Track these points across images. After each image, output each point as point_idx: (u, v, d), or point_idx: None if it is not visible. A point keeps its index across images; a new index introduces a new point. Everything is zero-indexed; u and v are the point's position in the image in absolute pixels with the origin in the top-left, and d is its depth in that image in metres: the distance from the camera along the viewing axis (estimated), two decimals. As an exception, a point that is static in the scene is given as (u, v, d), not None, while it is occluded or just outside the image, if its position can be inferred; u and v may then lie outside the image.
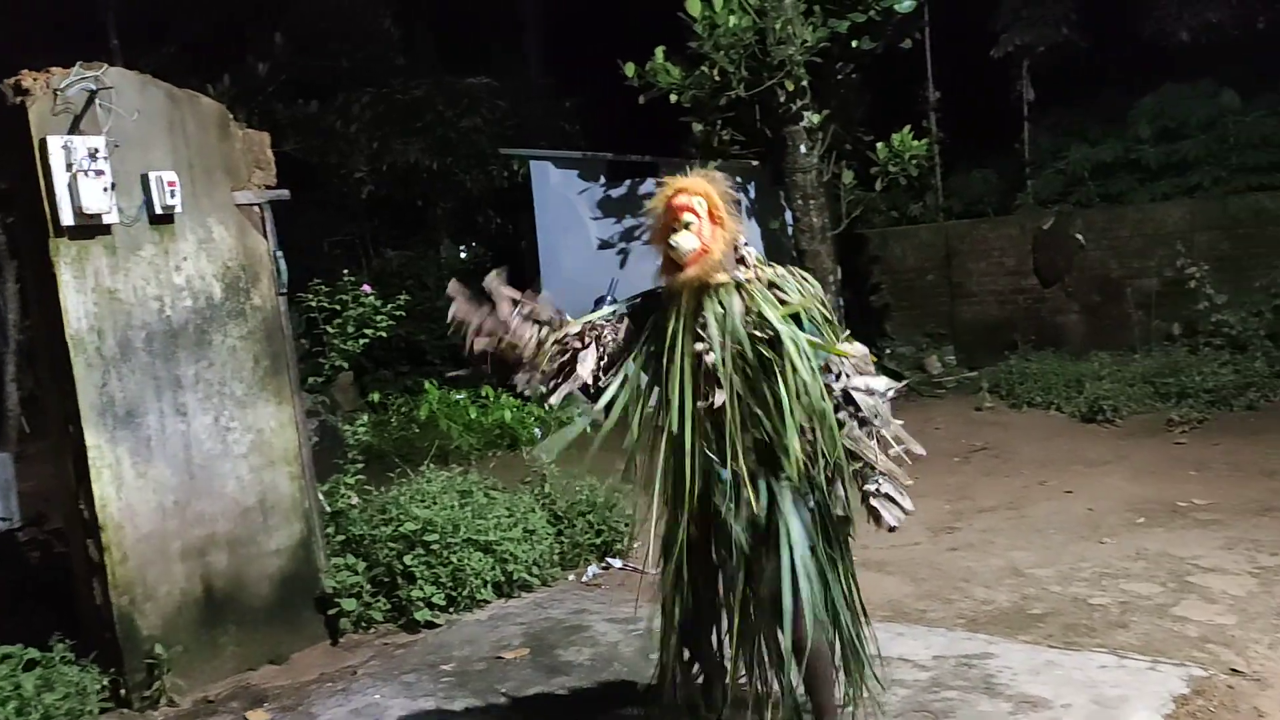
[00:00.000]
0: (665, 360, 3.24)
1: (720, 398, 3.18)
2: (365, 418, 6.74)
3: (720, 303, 3.23)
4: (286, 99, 12.14)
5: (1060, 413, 9.06)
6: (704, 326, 3.21)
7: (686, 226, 3.20)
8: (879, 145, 9.25)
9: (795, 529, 3.21)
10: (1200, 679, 3.86)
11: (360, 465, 5.85)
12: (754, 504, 3.17)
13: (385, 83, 12.72)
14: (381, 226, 13.47)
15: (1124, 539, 5.69)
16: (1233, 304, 9.75)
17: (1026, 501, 6.68)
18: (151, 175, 4.47)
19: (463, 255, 13.12)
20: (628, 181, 10.89)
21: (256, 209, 4.88)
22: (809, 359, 3.18)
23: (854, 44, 8.93)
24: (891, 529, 3.30)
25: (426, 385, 9.41)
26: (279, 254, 4.94)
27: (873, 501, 3.29)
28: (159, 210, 4.49)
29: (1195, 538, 5.61)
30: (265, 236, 4.91)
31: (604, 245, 10.91)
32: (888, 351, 11.40)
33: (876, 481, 3.30)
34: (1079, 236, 10.78)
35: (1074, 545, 5.67)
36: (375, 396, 8.86)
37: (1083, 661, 4.08)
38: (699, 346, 3.21)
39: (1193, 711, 3.62)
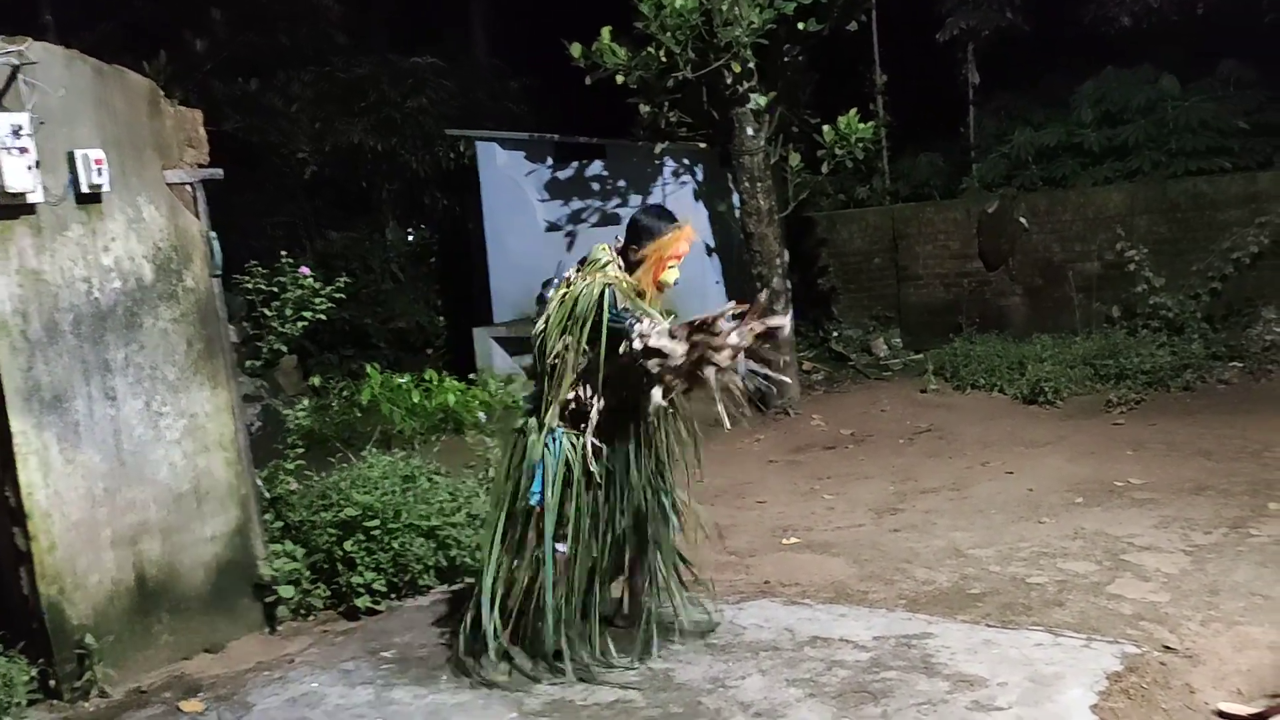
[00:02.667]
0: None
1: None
2: (306, 402, 6.63)
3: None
4: (225, 77, 11.88)
5: (1003, 394, 9.18)
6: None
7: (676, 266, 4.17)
8: (825, 128, 9.25)
9: None
10: (1134, 656, 3.92)
11: (301, 450, 5.74)
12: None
13: (328, 61, 12.49)
14: (325, 208, 13.24)
15: (1062, 518, 5.78)
16: (1170, 287, 9.92)
17: (969, 482, 6.75)
18: (78, 153, 4.33)
19: (409, 238, 12.95)
20: (575, 163, 10.80)
21: (188, 188, 4.75)
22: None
23: (800, 26, 8.90)
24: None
25: (369, 369, 9.28)
26: (212, 234, 4.82)
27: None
28: (86, 189, 4.35)
29: (1131, 517, 5.70)
30: (198, 216, 4.79)
31: (551, 227, 10.83)
32: (835, 334, 11.45)
33: None
34: (1022, 220, 10.89)
35: (1014, 525, 5.74)
36: (316, 380, 8.72)
37: (1019, 640, 4.13)
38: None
39: (1126, 688, 3.67)
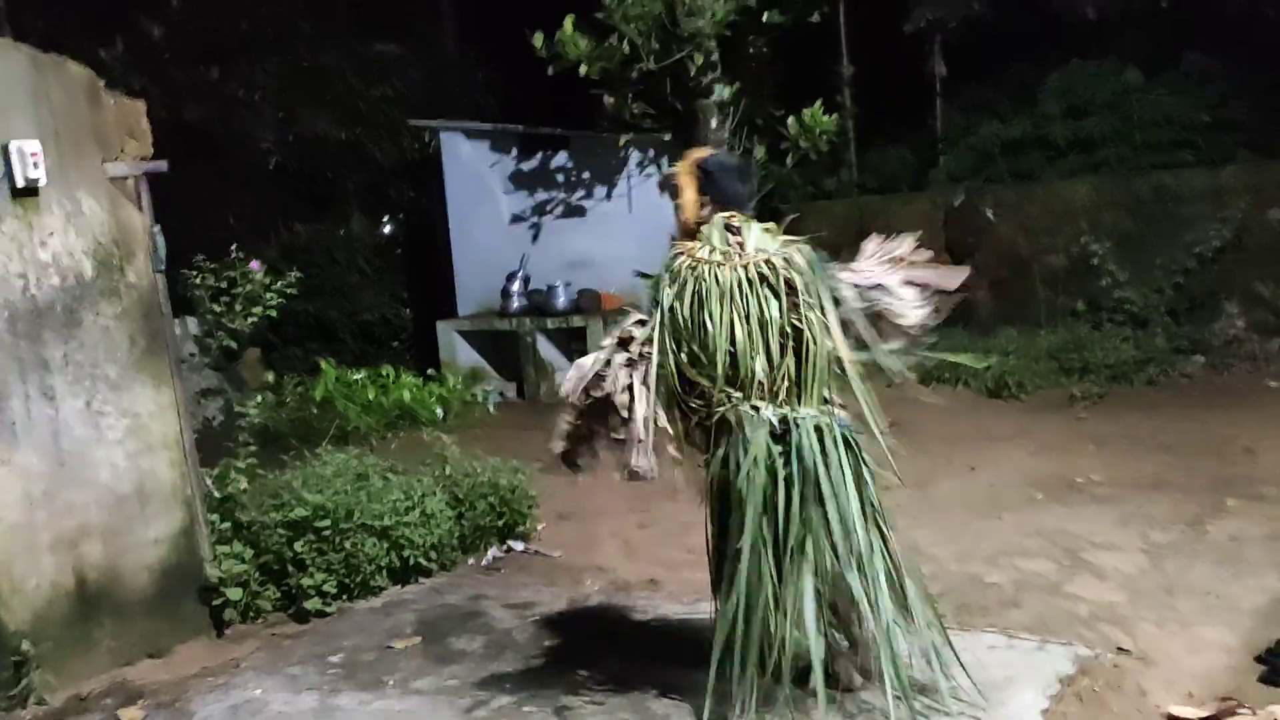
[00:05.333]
0: None
1: None
2: (260, 398, 6.51)
3: None
4: (185, 65, 11.67)
5: (968, 388, 9.16)
6: None
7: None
8: (790, 120, 9.20)
9: None
10: (1087, 658, 3.89)
11: (253, 448, 5.63)
12: None
13: (290, 49, 12.30)
14: (290, 199, 13.06)
15: (1022, 516, 5.76)
16: (1134, 281, 9.92)
17: (931, 479, 6.71)
18: (13, 145, 4.20)
19: (388, 230, 12.78)
20: (540, 154, 10.70)
21: (130, 181, 4.63)
22: None
23: (764, 17, 8.85)
24: None
25: (323, 364, 9.14)
26: (156, 229, 4.70)
27: None
28: (21, 183, 4.22)
29: (1090, 514, 5.69)
30: (141, 210, 4.67)
31: (516, 219, 10.73)
32: (803, 328, 11.39)
33: None
34: (989, 213, 10.87)
35: (974, 523, 5.71)
36: (270, 376, 8.58)
37: (972, 642, 4.08)
38: None
39: (1078, 692, 3.64)
